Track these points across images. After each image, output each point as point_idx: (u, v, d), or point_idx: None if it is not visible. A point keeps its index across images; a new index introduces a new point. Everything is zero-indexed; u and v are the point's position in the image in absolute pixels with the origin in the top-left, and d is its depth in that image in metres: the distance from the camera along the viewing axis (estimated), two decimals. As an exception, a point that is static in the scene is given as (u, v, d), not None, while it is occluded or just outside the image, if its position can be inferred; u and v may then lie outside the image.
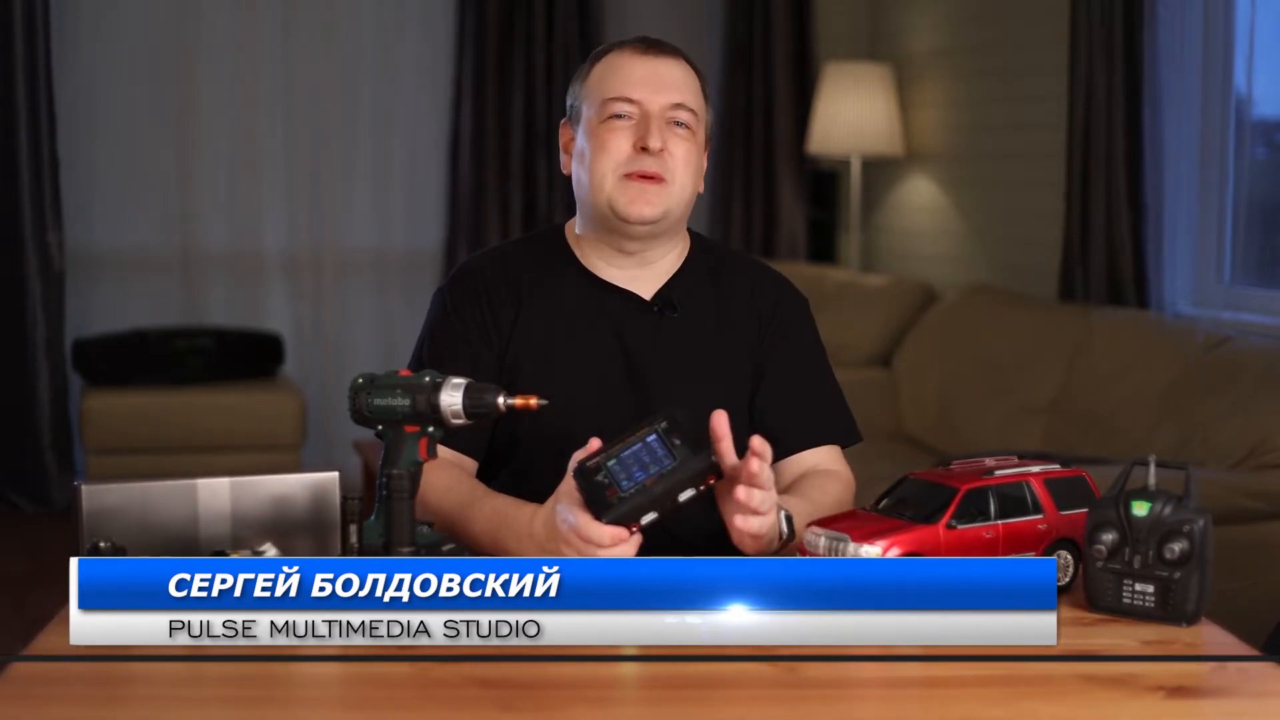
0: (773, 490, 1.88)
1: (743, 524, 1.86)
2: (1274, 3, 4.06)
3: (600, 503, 1.84)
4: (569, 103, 2.24)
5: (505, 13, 6.09)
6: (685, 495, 1.83)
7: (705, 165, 2.25)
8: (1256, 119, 4.16)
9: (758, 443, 1.85)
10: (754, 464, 1.83)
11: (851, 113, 5.83)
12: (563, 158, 2.24)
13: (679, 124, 2.15)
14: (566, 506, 1.88)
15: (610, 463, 1.86)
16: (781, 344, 2.24)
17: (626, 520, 1.84)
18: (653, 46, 2.19)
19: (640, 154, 2.13)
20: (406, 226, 6.25)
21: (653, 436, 1.86)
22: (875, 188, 6.22)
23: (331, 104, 6.13)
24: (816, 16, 6.31)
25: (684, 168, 2.15)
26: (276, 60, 6.07)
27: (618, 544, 1.84)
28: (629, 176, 2.13)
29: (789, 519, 1.94)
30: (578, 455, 1.89)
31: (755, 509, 1.85)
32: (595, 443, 1.89)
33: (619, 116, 2.14)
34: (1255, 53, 4.08)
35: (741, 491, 1.84)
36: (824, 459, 2.21)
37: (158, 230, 6.06)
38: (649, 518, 1.84)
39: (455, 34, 6.14)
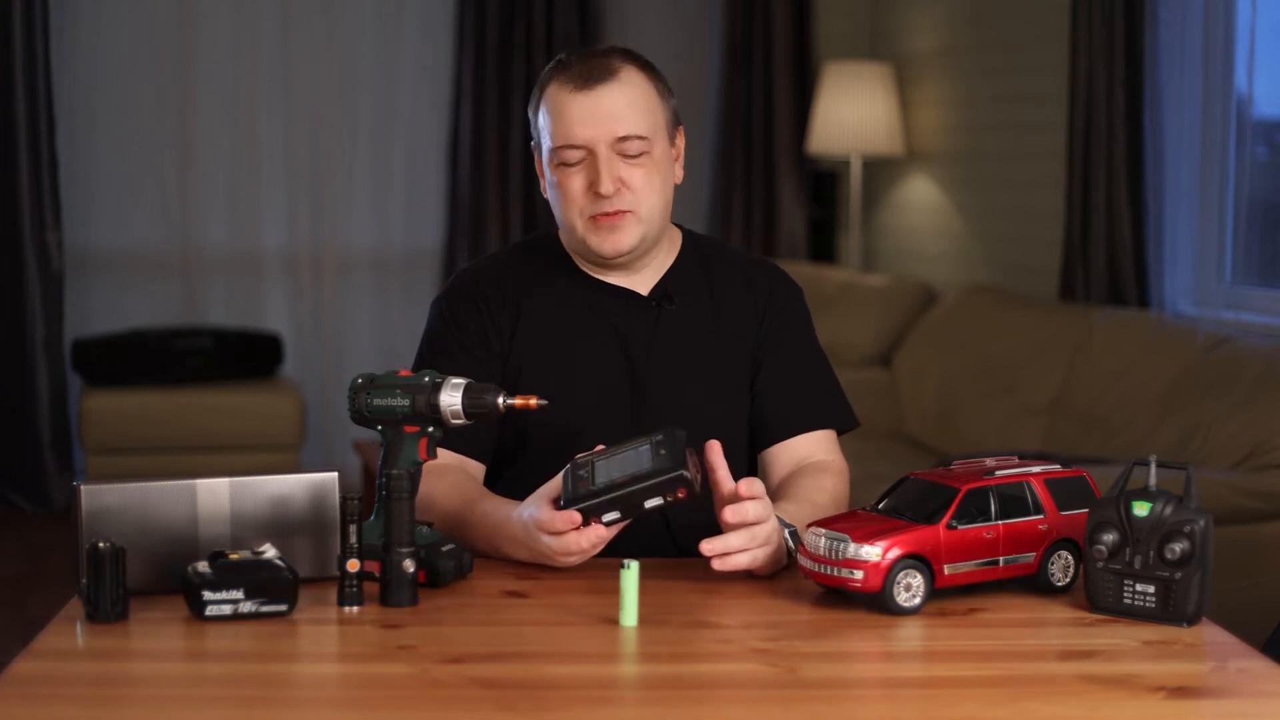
0: (753, 531, 1.88)
1: (720, 565, 1.88)
2: (1274, 3, 4.05)
3: (572, 494, 1.87)
4: (531, 130, 2.24)
5: (505, 13, 6.09)
6: (652, 502, 1.85)
7: (682, 146, 2.24)
8: (1256, 119, 4.15)
9: (745, 488, 1.88)
10: (730, 515, 1.87)
11: (851, 113, 5.82)
12: (540, 181, 2.24)
13: (631, 153, 2.13)
14: (535, 504, 1.91)
15: (598, 461, 1.91)
16: (778, 332, 2.25)
17: (586, 512, 1.86)
18: (587, 77, 2.13)
19: (597, 197, 2.12)
20: (406, 226, 6.25)
21: (645, 446, 1.89)
22: (875, 188, 6.21)
23: (331, 104, 6.12)
24: (816, 16, 6.31)
25: (646, 193, 2.14)
26: (276, 60, 6.06)
27: (569, 529, 1.85)
28: (595, 219, 2.13)
29: (794, 534, 1.94)
30: (580, 455, 1.92)
31: (728, 566, 1.88)
32: (600, 446, 1.93)
33: (568, 164, 2.14)
34: (1255, 53, 4.07)
35: (707, 546, 1.87)
36: (818, 447, 2.23)
37: (157, 230, 6.05)
38: (611, 516, 1.85)
39: (455, 34, 6.14)
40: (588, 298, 2.22)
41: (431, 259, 6.23)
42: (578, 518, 1.86)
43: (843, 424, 2.27)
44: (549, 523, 1.88)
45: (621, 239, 2.14)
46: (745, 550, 1.88)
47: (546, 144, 2.17)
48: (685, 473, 1.84)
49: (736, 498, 1.89)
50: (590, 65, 2.15)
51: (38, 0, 5.54)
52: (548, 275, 2.24)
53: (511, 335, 2.20)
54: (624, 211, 2.13)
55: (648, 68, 2.19)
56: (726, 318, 2.24)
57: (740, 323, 2.25)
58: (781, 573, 1.95)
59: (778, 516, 1.94)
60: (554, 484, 1.94)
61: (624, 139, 2.12)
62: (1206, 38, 4.14)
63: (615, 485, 1.85)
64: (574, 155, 2.13)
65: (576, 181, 2.14)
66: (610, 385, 2.19)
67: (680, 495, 1.85)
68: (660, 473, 1.84)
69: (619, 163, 2.13)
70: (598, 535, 1.87)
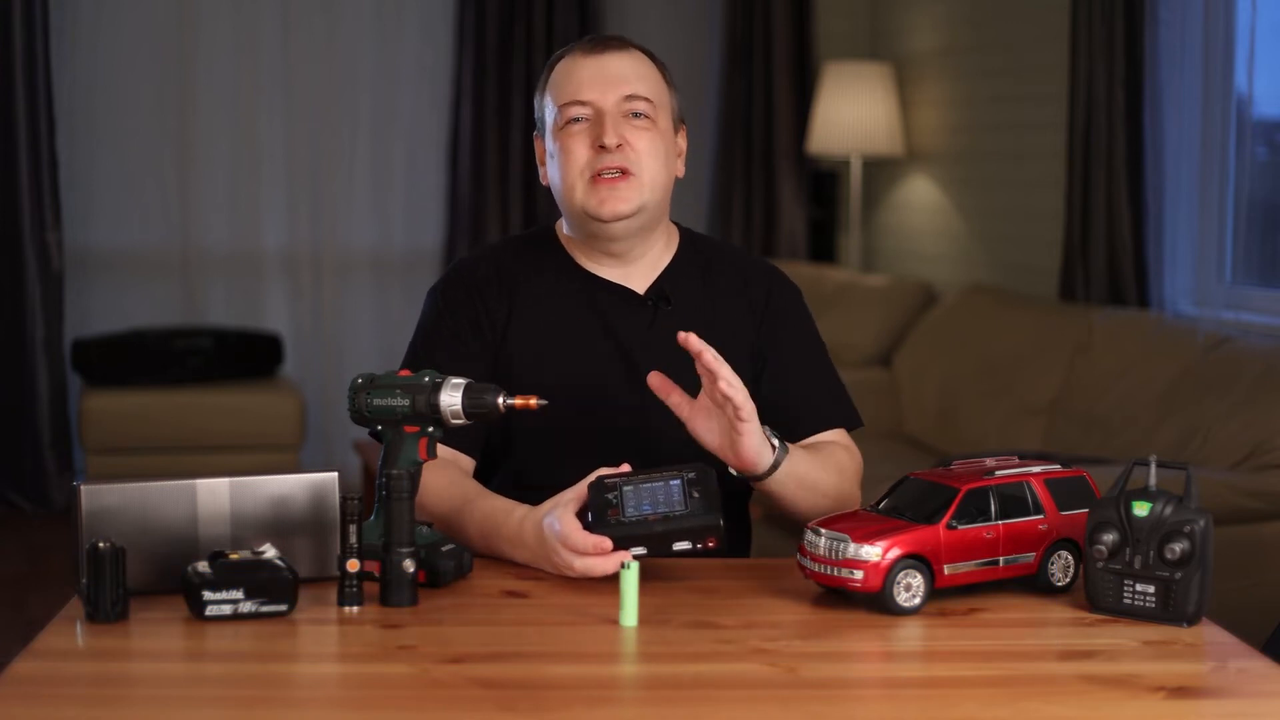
0: (748, 401, 1.94)
1: (745, 431, 1.94)
2: (1274, 3, 4.05)
3: (599, 518, 1.87)
4: (535, 115, 2.25)
5: (505, 13, 6.09)
6: (680, 545, 1.86)
7: (684, 147, 2.26)
8: (1256, 119, 4.15)
9: (708, 358, 1.93)
10: (722, 385, 1.92)
11: (851, 113, 5.82)
12: (540, 170, 2.25)
13: (636, 115, 2.16)
14: (557, 515, 1.89)
15: (626, 487, 1.89)
16: (778, 334, 2.25)
17: (615, 542, 1.85)
18: (600, 43, 2.20)
19: (600, 152, 2.14)
20: (406, 226, 6.25)
21: (676, 481, 1.89)
22: (875, 188, 6.21)
23: (331, 104, 6.12)
24: (816, 16, 6.31)
25: (649, 158, 2.16)
26: (276, 60, 6.07)
27: (599, 554, 1.85)
28: (596, 179, 2.14)
29: (777, 436, 1.98)
30: (602, 471, 1.91)
31: (743, 417, 1.93)
32: (625, 467, 1.93)
33: (575, 120, 2.16)
34: (1255, 53, 4.07)
35: (732, 398, 1.92)
36: (831, 440, 2.23)
37: (157, 230, 6.06)
38: (638, 551, 1.85)
39: (455, 34, 6.14)
40: (583, 293, 2.22)
41: (431, 259, 6.23)
42: (608, 545, 1.85)
43: (847, 424, 2.27)
44: (578, 543, 1.86)
45: (620, 202, 2.14)
46: (740, 388, 1.93)
47: (552, 112, 2.18)
48: (720, 523, 1.85)
49: (717, 391, 1.94)
50: (602, 38, 2.22)
51: (38, 0, 5.54)
52: (544, 268, 2.24)
53: (505, 326, 2.20)
54: (626, 173, 2.13)
55: (657, 60, 2.24)
56: (723, 317, 2.24)
57: (737, 323, 2.25)
58: (782, 573, 1.95)
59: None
60: (572, 494, 1.91)
61: (630, 98, 2.15)
62: (1206, 38, 4.14)
63: (646, 521, 1.85)
64: (581, 111, 2.15)
65: (580, 141, 2.15)
66: (604, 381, 2.18)
67: (710, 544, 1.87)
68: (695, 518, 1.86)
69: (624, 123, 2.15)
70: (620, 564, 1.85)
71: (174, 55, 5.99)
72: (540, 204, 6.14)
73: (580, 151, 2.15)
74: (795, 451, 2.04)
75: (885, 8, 6.27)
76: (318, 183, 6.14)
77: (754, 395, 2.24)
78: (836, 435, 2.24)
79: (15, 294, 5.61)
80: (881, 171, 6.18)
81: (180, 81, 6.00)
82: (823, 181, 6.37)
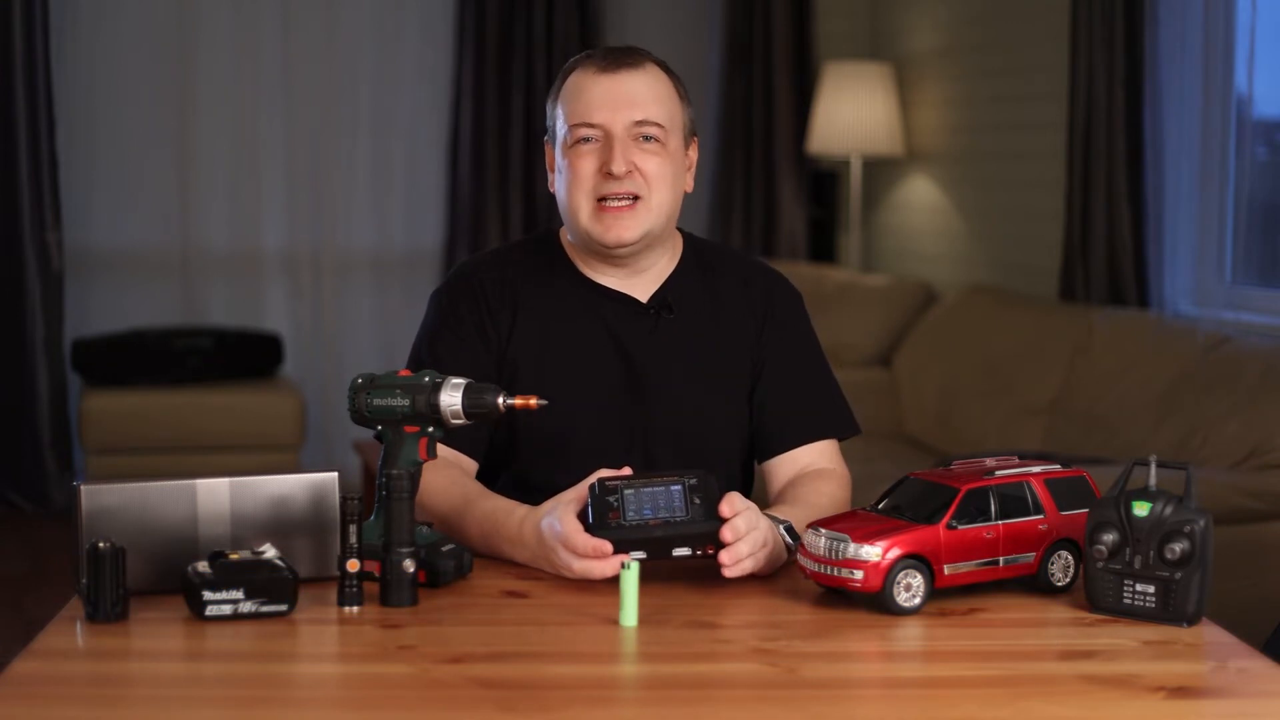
0: (752, 537, 1.88)
1: (731, 572, 1.88)
2: (1274, 3, 4.05)
3: (599, 520, 1.87)
4: (546, 121, 2.24)
5: (505, 13, 6.09)
6: (680, 551, 1.87)
7: (694, 159, 2.24)
8: (1256, 119, 4.15)
9: (727, 509, 1.87)
10: (728, 534, 1.86)
11: (851, 113, 5.82)
12: (549, 176, 2.23)
13: (646, 138, 2.14)
14: (558, 516, 1.89)
15: (628, 491, 1.89)
16: (777, 340, 2.25)
17: (615, 546, 1.86)
18: (613, 61, 2.16)
19: (608, 178, 2.12)
20: (406, 226, 6.25)
21: (677, 487, 1.89)
22: (875, 188, 6.21)
23: (331, 104, 6.12)
24: (816, 16, 6.31)
25: (657, 182, 2.14)
26: (276, 60, 6.07)
27: (598, 557, 1.85)
28: (602, 205, 2.13)
29: (789, 529, 1.94)
30: (604, 472, 1.91)
31: (737, 572, 1.88)
32: (627, 470, 1.93)
33: (584, 140, 2.14)
34: (1255, 53, 4.07)
35: (726, 555, 1.87)
36: (820, 456, 2.23)
37: (157, 230, 6.05)
38: (638, 555, 1.85)
39: (455, 34, 6.14)
40: (586, 301, 2.21)
41: (431, 259, 6.23)
42: (608, 547, 1.85)
43: (843, 432, 2.27)
44: (578, 545, 1.86)
45: (625, 230, 2.13)
46: (751, 555, 1.88)
47: (562, 128, 2.16)
48: (720, 530, 1.86)
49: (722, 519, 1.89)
50: (616, 53, 2.18)
51: (38, 0, 5.54)
52: (548, 275, 2.23)
53: (509, 332, 2.20)
54: (633, 199, 2.12)
55: (671, 72, 2.21)
56: (725, 324, 2.24)
57: (738, 329, 2.24)
58: (781, 573, 1.95)
59: (770, 515, 1.94)
60: (572, 495, 1.92)
61: (641, 123, 2.13)
62: (1206, 38, 4.15)
63: (647, 526, 1.86)
64: (590, 133, 2.13)
65: (588, 163, 2.13)
66: (606, 388, 2.18)
67: (710, 551, 1.87)
68: (696, 524, 1.86)
69: (634, 147, 2.13)
70: (618, 568, 1.85)
71: (174, 55, 5.99)
72: (541, 204, 6.14)
73: (587, 173, 2.13)
74: (801, 523, 2.00)
75: (885, 8, 6.27)
76: (318, 183, 6.14)
77: (750, 400, 2.24)
78: (824, 449, 2.24)
79: (15, 294, 5.61)
80: (881, 171, 6.18)
81: (180, 81, 6.00)
82: (823, 181, 6.37)
